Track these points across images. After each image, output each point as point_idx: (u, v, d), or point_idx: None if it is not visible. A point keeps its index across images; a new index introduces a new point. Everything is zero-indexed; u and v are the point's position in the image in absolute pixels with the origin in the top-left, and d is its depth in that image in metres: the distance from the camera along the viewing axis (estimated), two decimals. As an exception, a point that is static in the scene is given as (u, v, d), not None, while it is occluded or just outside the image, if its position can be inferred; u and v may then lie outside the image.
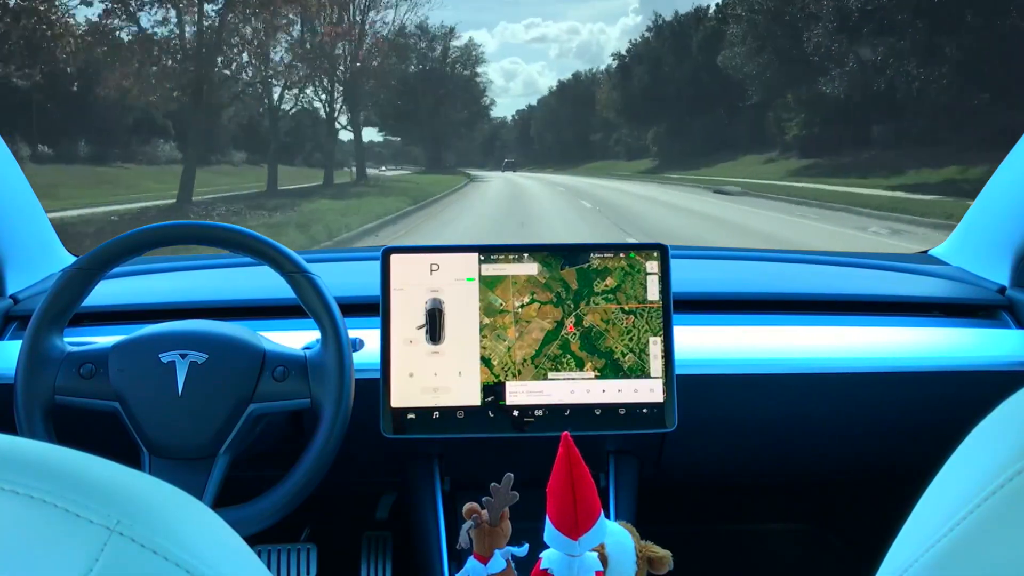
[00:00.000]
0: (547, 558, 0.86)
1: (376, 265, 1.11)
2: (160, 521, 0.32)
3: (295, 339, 1.13)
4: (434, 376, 1.10)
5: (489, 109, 52.57)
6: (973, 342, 1.29)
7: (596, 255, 1.13)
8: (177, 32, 18.07)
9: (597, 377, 1.11)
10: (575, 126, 55.20)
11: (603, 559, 0.88)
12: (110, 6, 17.05)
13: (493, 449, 1.15)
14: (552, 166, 56.28)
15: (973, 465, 0.37)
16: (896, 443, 1.30)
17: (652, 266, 1.13)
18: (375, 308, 1.11)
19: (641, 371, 1.11)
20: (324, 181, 24.68)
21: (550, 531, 0.82)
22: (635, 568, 0.90)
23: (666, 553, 0.92)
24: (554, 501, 0.81)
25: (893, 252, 1.74)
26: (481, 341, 1.11)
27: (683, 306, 1.26)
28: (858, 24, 20.90)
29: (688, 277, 1.28)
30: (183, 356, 0.98)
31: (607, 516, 1.11)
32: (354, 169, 28.17)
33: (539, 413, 1.10)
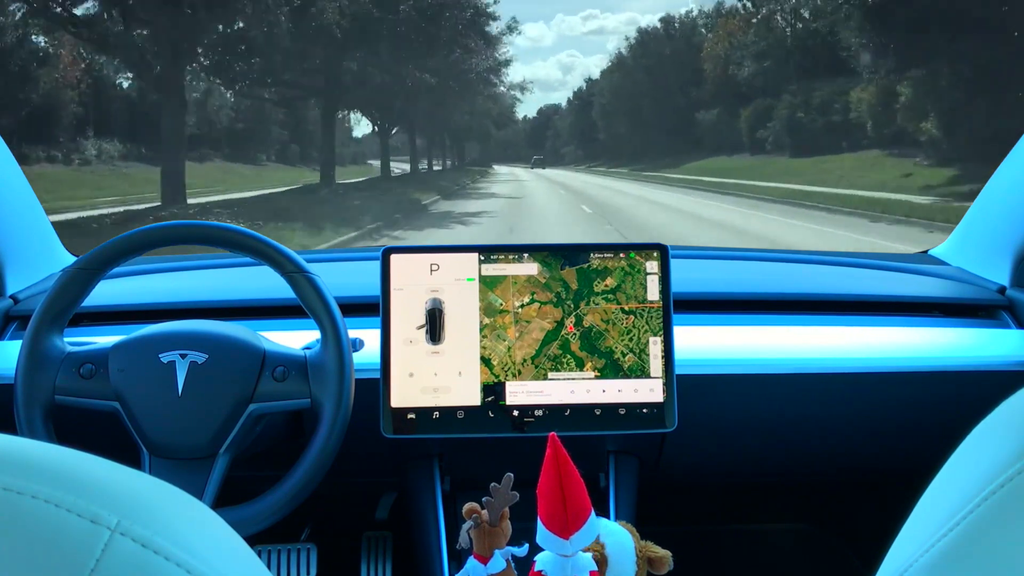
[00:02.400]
0: (541, 560, 0.86)
1: (376, 265, 1.11)
2: (160, 521, 0.32)
3: (295, 339, 1.13)
4: (434, 376, 1.10)
5: (500, 53, 26.51)
6: (973, 342, 1.29)
7: (596, 255, 1.13)
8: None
9: (597, 377, 1.11)
10: (667, 99, 32.65)
11: (603, 559, 0.88)
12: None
13: (493, 449, 1.14)
14: (627, 163, 35.60)
15: (973, 465, 0.37)
16: (896, 443, 1.30)
17: (652, 266, 1.13)
18: (375, 308, 1.11)
19: (641, 371, 1.11)
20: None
21: (542, 532, 0.82)
22: (635, 568, 0.90)
23: (666, 553, 0.92)
24: (544, 502, 0.81)
25: (893, 252, 1.74)
26: (481, 341, 1.11)
27: (683, 306, 1.26)
28: None
29: (688, 277, 1.28)
30: (183, 356, 0.98)
31: (607, 516, 1.11)
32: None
33: (539, 413, 1.10)
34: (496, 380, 1.10)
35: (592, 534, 0.83)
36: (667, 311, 1.12)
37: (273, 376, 0.99)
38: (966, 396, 1.19)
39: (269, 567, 1.34)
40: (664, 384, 1.11)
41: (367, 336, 1.10)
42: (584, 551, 0.85)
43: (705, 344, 1.23)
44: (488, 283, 1.12)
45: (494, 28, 24.76)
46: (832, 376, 1.21)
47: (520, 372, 1.10)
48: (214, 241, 1.01)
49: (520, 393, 1.10)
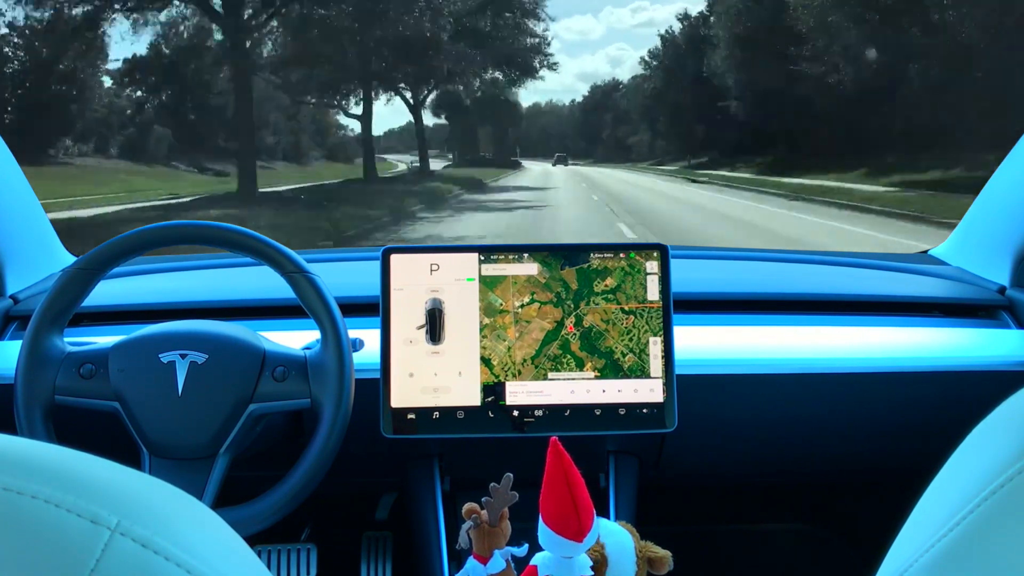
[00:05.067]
0: (543, 563, 0.86)
1: (376, 265, 1.11)
2: (160, 521, 0.32)
3: (295, 339, 1.13)
4: (434, 376, 1.10)
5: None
6: (973, 342, 1.29)
7: (596, 255, 1.13)
8: None
9: (597, 377, 1.11)
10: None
11: (603, 559, 0.88)
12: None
13: (493, 449, 1.15)
14: (859, 162, 16.90)
15: (973, 465, 0.37)
16: (896, 443, 1.30)
17: (652, 266, 1.13)
18: (375, 308, 1.11)
19: (641, 371, 1.11)
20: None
21: (551, 537, 0.81)
22: (635, 568, 0.90)
23: (666, 553, 0.92)
24: (553, 508, 0.80)
25: (893, 252, 1.74)
26: (481, 341, 1.11)
27: (683, 306, 1.26)
28: None
29: (688, 277, 1.28)
30: (183, 356, 0.98)
31: (607, 516, 1.11)
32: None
33: (539, 413, 1.10)
34: (496, 380, 1.10)
35: (596, 533, 0.83)
36: (667, 311, 1.12)
37: (273, 376, 0.99)
38: (966, 396, 1.19)
39: (269, 567, 1.34)
40: (664, 384, 1.11)
41: (367, 336, 1.10)
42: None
43: (705, 344, 1.23)
44: (488, 283, 1.12)
45: None
46: (832, 376, 1.21)
47: (520, 372, 1.10)
48: (214, 241, 1.01)
49: (520, 393, 1.10)
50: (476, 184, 20.92)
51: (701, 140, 26.16)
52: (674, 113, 29.02)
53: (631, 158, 33.77)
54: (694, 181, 21.27)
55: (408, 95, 23.63)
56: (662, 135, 31.36)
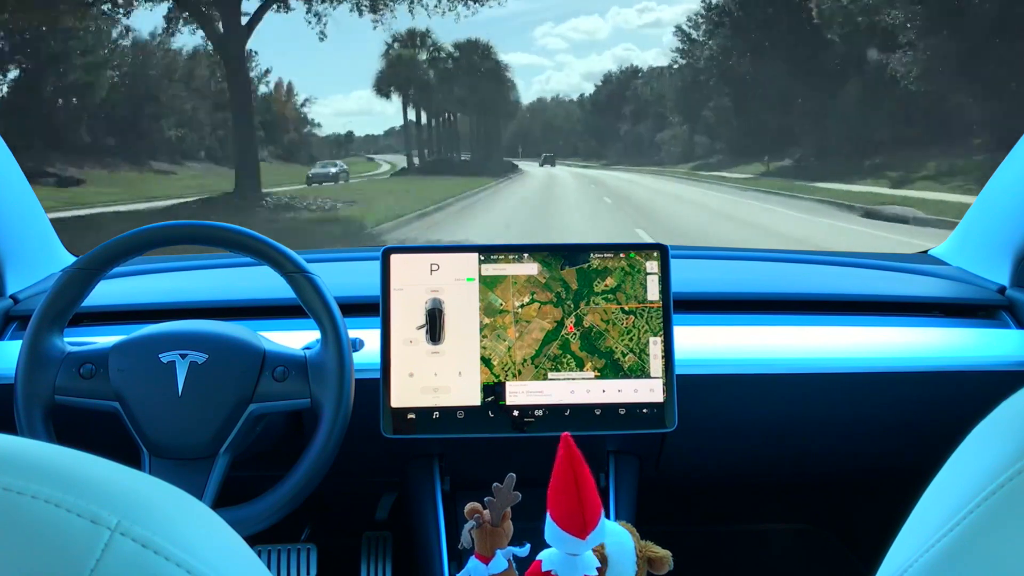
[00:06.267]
0: (548, 559, 0.86)
1: (376, 265, 1.11)
2: (160, 521, 0.32)
3: (295, 339, 1.13)
4: (434, 376, 1.10)
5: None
6: (973, 342, 1.29)
7: (596, 255, 1.13)
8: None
9: (597, 377, 1.11)
10: None
11: (603, 559, 0.88)
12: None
13: (493, 449, 1.15)
14: None
15: (973, 465, 0.37)
16: (896, 443, 1.30)
17: (652, 266, 1.13)
18: (375, 308, 1.11)
19: (641, 371, 1.11)
20: None
21: (556, 533, 0.82)
22: (635, 568, 0.90)
23: (666, 553, 0.92)
24: (559, 503, 0.80)
25: (893, 252, 1.74)
26: (481, 341, 1.11)
27: (683, 306, 1.26)
28: None
29: (688, 277, 1.28)
30: (183, 356, 0.98)
31: (607, 516, 1.11)
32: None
33: (539, 413, 1.10)
34: (496, 380, 1.10)
35: (603, 531, 0.83)
36: (667, 311, 1.12)
37: (273, 376, 0.99)
38: (966, 396, 1.19)
39: (269, 567, 1.34)
40: (664, 384, 1.11)
41: (367, 336, 1.10)
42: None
43: (705, 344, 1.23)
44: (488, 283, 1.12)
45: None
46: (832, 376, 1.21)
47: (520, 372, 1.10)
48: (214, 241, 1.01)
49: (520, 393, 1.10)
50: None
51: (786, 132, 15.63)
52: (744, 93, 18.49)
53: (658, 159, 24.81)
54: (872, 216, 10.66)
55: (219, 23, 13.19)
56: (708, 130, 21.63)
